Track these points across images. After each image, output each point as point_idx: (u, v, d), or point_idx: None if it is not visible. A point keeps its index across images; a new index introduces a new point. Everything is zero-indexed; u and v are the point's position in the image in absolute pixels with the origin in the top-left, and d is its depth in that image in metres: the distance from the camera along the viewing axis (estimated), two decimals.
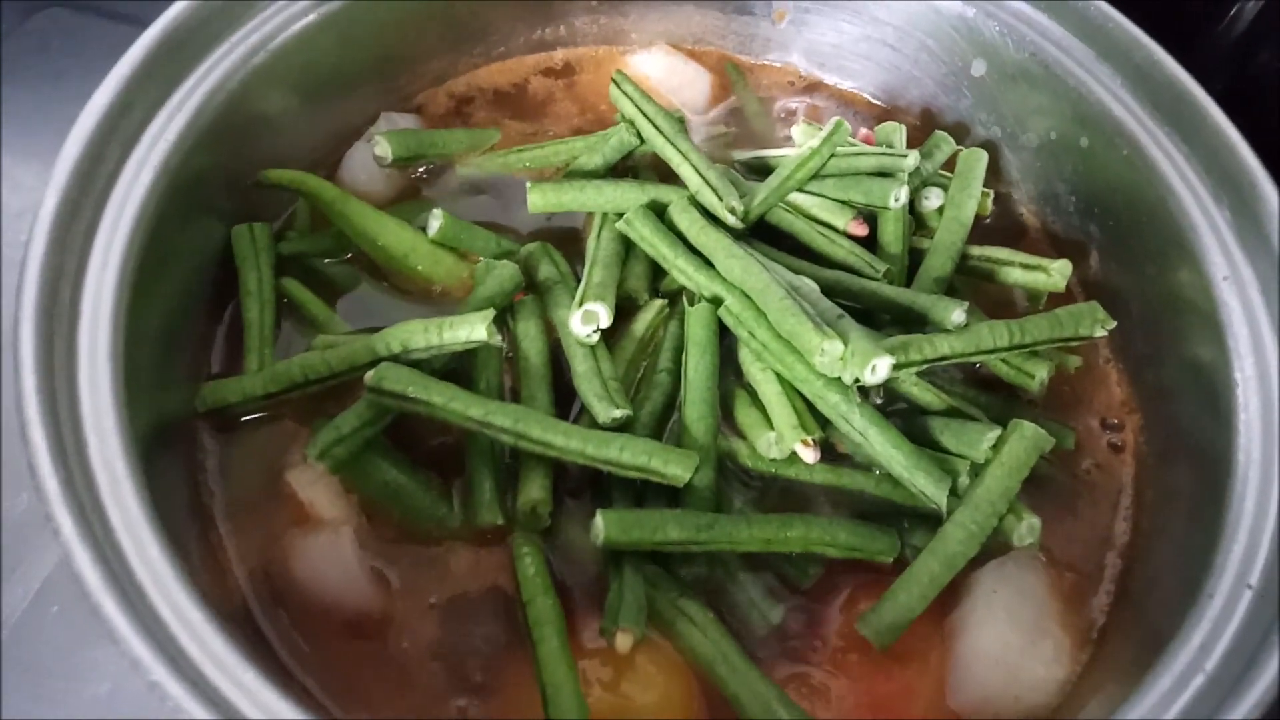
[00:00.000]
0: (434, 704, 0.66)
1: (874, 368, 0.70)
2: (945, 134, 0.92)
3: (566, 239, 0.87)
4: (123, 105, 0.69)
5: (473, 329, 0.71)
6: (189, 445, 0.73)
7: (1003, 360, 0.80)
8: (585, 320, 0.75)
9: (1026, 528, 0.72)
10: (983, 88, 0.92)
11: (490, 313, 0.72)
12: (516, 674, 0.67)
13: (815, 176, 0.86)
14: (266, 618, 0.68)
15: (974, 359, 0.77)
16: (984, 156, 0.90)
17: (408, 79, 0.93)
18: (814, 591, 0.72)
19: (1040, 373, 0.80)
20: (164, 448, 0.69)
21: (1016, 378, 0.81)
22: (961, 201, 0.88)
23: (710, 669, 0.67)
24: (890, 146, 0.91)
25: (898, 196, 0.85)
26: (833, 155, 0.86)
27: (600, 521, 0.68)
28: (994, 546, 0.72)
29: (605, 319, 0.76)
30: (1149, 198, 0.80)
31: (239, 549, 0.71)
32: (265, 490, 0.72)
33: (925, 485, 0.71)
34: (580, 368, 0.75)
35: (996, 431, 0.73)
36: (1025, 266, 0.86)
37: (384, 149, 0.86)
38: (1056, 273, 0.85)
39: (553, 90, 0.98)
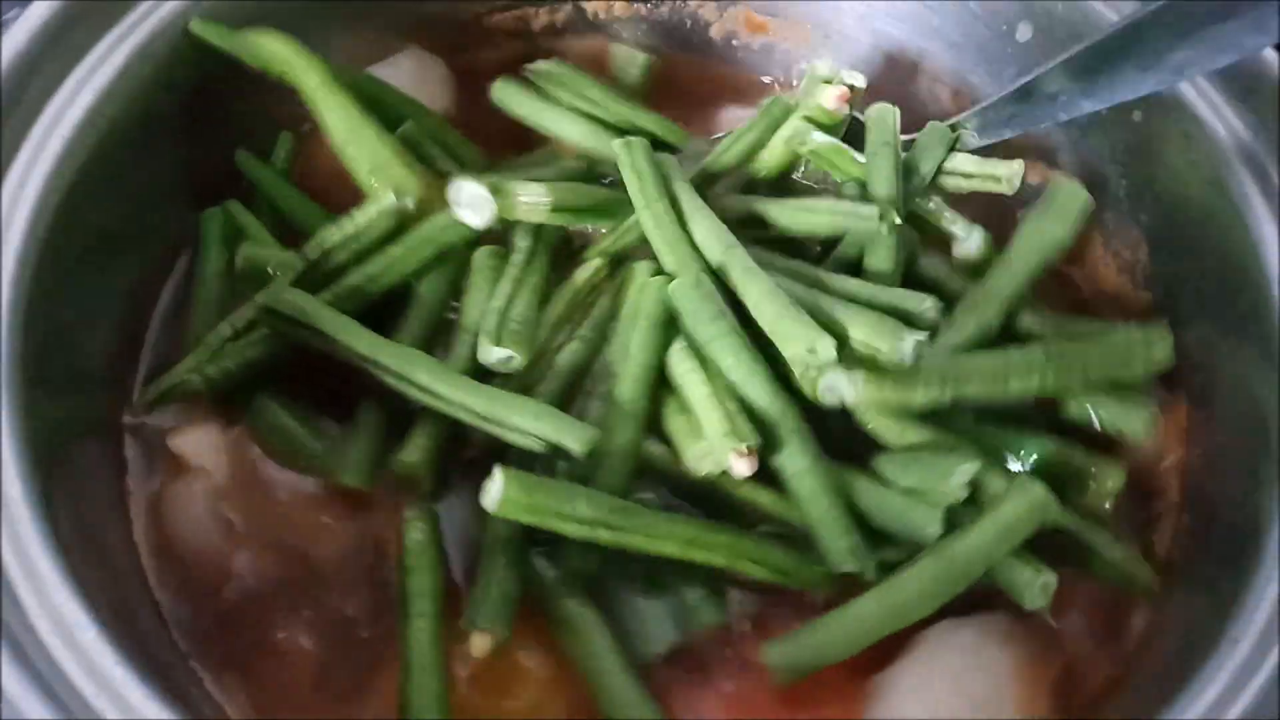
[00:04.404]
0: (298, 683, 0.59)
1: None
2: None
3: None
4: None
5: (380, 202, 0.69)
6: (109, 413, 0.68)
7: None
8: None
9: (1041, 586, 0.59)
10: (1029, 55, 0.79)
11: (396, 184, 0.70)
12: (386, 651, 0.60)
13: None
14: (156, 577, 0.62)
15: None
16: (1084, 197, 0.72)
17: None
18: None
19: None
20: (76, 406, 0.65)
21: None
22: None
23: (590, 680, 0.58)
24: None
25: None
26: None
27: (499, 478, 0.56)
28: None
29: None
30: (1206, 179, 0.67)
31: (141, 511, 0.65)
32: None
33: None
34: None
35: (974, 466, 0.60)
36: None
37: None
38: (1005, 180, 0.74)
39: None
